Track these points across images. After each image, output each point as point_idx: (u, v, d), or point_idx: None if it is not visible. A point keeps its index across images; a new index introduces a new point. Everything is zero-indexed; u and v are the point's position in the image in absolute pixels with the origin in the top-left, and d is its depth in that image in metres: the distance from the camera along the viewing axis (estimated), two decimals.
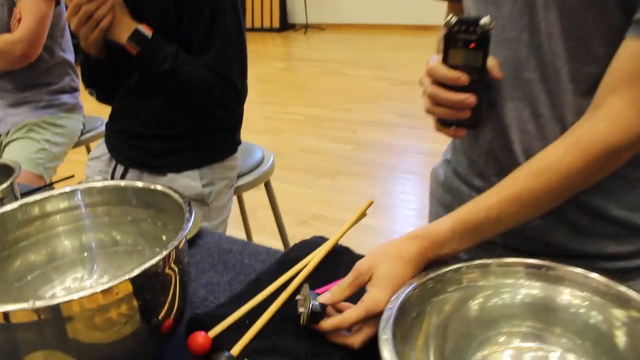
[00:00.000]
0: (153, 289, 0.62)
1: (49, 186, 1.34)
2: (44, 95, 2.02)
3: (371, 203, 0.90)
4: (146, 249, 0.81)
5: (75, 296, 0.56)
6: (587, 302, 0.62)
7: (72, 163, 2.47)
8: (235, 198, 1.73)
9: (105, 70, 1.43)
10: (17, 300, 0.72)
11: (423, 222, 0.73)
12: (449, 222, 0.71)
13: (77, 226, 0.83)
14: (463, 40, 0.72)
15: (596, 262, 0.78)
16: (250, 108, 1.64)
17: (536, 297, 0.65)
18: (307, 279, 0.80)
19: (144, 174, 1.48)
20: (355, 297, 0.69)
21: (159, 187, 0.78)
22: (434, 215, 0.98)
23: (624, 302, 0.60)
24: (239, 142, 1.58)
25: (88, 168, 1.63)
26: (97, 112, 2.22)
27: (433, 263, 0.69)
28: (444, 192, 0.95)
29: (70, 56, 2.09)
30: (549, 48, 0.73)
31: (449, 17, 0.72)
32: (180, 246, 0.65)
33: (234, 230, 1.93)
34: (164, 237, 0.79)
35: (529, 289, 0.65)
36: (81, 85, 1.66)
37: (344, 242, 0.89)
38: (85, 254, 0.83)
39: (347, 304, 0.70)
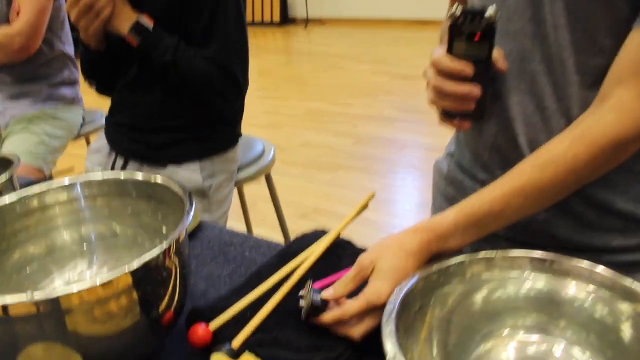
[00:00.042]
0: (153, 281, 0.62)
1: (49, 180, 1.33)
2: (44, 88, 2.01)
3: (373, 195, 0.90)
4: (146, 242, 0.81)
5: (75, 288, 0.55)
6: (592, 296, 0.62)
7: (71, 157, 2.47)
8: (235, 191, 1.72)
9: (106, 62, 1.42)
10: (17, 293, 0.71)
11: (423, 217, 0.72)
12: (452, 215, 0.70)
13: (76, 219, 0.82)
14: (468, 31, 0.71)
15: (602, 255, 0.77)
16: (251, 102, 1.63)
17: (541, 291, 0.64)
18: (308, 272, 0.79)
19: (144, 166, 1.48)
20: (357, 292, 0.68)
21: (159, 179, 0.77)
22: (437, 209, 0.97)
23: (630, 296, 0.59)
24: (239, 135, 1.57)
25: (88, 161, 1.62)
26: (97, 105, 2.21)
27: (437, 257, 0.69)
28: (448, 185, 0.95)
29: (70, 49, 2.09)
30: (555, 40, 0.72)
31: (454, 8, 0.71)
32: (181, 238, 0.65)
33: (235, 223, 1.92)
34: (164, 230, 0.79)
35: (534, 282, 0.64)
36: (81, 78, 1.65)
37: (344, 236, 0.88)
38: (85, 247, 0.82)
39: (348, 300, 0.70)
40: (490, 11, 0.69)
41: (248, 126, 1.61)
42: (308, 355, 0.64)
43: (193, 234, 0.97)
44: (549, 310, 0.63)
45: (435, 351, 0.60)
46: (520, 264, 0.65)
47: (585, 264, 0.63)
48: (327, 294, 0.68)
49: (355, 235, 0.87)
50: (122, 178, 0.81)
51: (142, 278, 0.59)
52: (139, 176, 0.80)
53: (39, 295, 0.54)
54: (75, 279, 0.80)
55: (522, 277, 0.65)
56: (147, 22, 1.28)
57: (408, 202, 2.83)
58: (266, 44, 7.05)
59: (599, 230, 0.78)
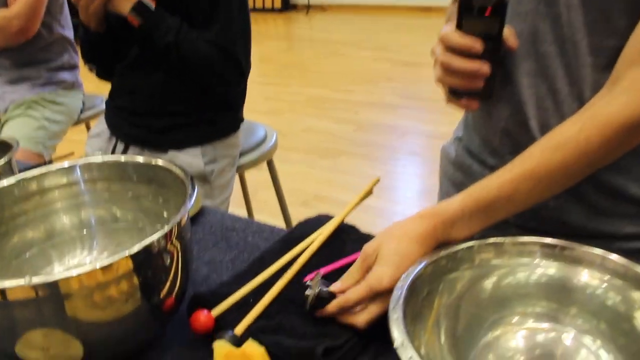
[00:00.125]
0: (154, 266, 0.61)
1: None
2: (43, 73, 1.99)
3: (378, 180, 0.88)
4: (147, 226, 0.79)
5: (74, 272, 0.54)
6: (605, 284, 0.60)
7: (71, 142, 2.45)
8: (237, 178, 1.71)
9: (105, 44, 1.40)
10: (16, 277, 0.70)
11: (424, 204, 0.71)
12: (458, 200, 0.68)
13: (76, 202, 0.81)
14: (479, 5, 0.69)
15: (613, 242, 0.75)
16: (252, 88, 1.61)
17: (552, 277, 0.62)
18: (312, 257, 0.78)
19: (145, 151, 1.46)
20: None
21: (160, 163, 0.76)
22: (444, 194, 0.95)
23: None
24: (241, 119, 1.55)
25: (88, 146, 1.60)
26: (97, 90, 2.19)
27: (444, 246, 0.67)
28: (455, 171, 0.93)
29: (69, 33, 2.06)
30: (567, 20, 0.70)
31: None
32: (183, 222, 0.63)
33: (236, 209, 1.90)
34: (165, 214, 0.77)
35: (546, 269, 0.63)
36: (81, 63, 1.63)
37: (346, 222, 0.87)
38: (85, 231, 0.81)
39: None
40: None
41: (249, 112, 1.59)
42: (312, 342, 0.63)
43: (194, 219, 0.96)
44: (559, 298, 0.62)
45: (442, 338, 0.59)
46: (530, 250, 0.64)
47: (598, 251, 0.61)
48: (335, 287, 0.67)
49: (356, 221, 0.86)
50: (123, 161, 0.80)
51: (142, 262, 0.58)
52: (140, 159, 0.78)
53: (37, 280, 0.53)
54: (75, 264, 0.79)
55: (532, 263, 0.63)
56: (149, 1, 1.26)
57: (409, 188, 2.82)
58: (267, 30, 7.01)
59: (612, 216, 0.76)
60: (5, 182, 0.76)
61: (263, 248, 0.85)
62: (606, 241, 0.73)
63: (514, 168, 0.68)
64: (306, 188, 2.82)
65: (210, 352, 0.62)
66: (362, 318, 0.64)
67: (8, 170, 0.89)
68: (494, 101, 0.79)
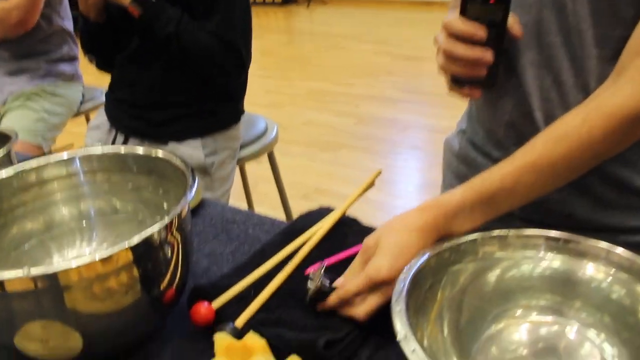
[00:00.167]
0: (154, 257, 0.60)
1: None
2: (42, 64, 1.98)
3: (379, 173, 0.88)
4: (147, 218, 0.79)
5: (74, 264, 0.53)
6: (610, 277, 0.60)
7: (71, 134, 2.45)
8: (237, 171, 1.70)
9: (105, 35, 1.40)
10: (15, 269, 0.69)
11: (425, 198, 0.70)
12: (460, 191, 0.67)
13: (75, 194, 0.80)
14: None
15: (618, 235, 0.75)
16: (253, 81, 1.61)
17: (557, 270, 0.62)
18: (313, 250, 0.77)
19: (145, 143, 1.45)
20: None
21: (160, 154, 0.75)
22: (447, 187, 0.94)
23: None
24: (242, 111, 1.54)
25: (87, 137, 1.60)
26: (97, 82, 2.18)
27: (446, 239, 0.66)
28: (459, 163, 0.92)
29: (68, 24, 2.05)
30: (573, 10, 0.69)
31: None
32: (183, 213, 0.63)
33: (236, 202, 1.90)
34: (165, 205, 0.77)
35: (550, 262, 0.62)
36: (80, 55, 1.62)
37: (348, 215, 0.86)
38: (84, 222, 0.80)
39: None
40: None
41: (250, 105, 1.59)
42: (314, 334, 0.62)
43: (195, 211, 0.95)
44: (563, 291, 0.61)
45: (445, 330, 0.59)
46: (534, 243, 0.63)
47: (602, 244, 0.60)
48: (338, 283, 0.66)
49: (357, 214, 0.86)
50: (122, 152, 0.79)
51: (142, 254, 0.58)
52: (140, 150, 0.77)
53: (36, 271, 0.52)
54: (74, 255, 0.78)
55: (536, 256, 0.63)
56: None
57: (410, 182, 2.82)
58: (268, 24, 6.99)
59: (618, 208, 0.76)
60: (4, 173, 0.75)
61: (264, 240, 0.84)
62: (611, 234, 0.72)
63: (516, 160, 0.67)
64: (307, 181, 2.81)
65: (210, 345, 0.61)
66: (361, 310, 0.64)
67: (7, 161, 0.89)
68: (499, 93, 0.78)
